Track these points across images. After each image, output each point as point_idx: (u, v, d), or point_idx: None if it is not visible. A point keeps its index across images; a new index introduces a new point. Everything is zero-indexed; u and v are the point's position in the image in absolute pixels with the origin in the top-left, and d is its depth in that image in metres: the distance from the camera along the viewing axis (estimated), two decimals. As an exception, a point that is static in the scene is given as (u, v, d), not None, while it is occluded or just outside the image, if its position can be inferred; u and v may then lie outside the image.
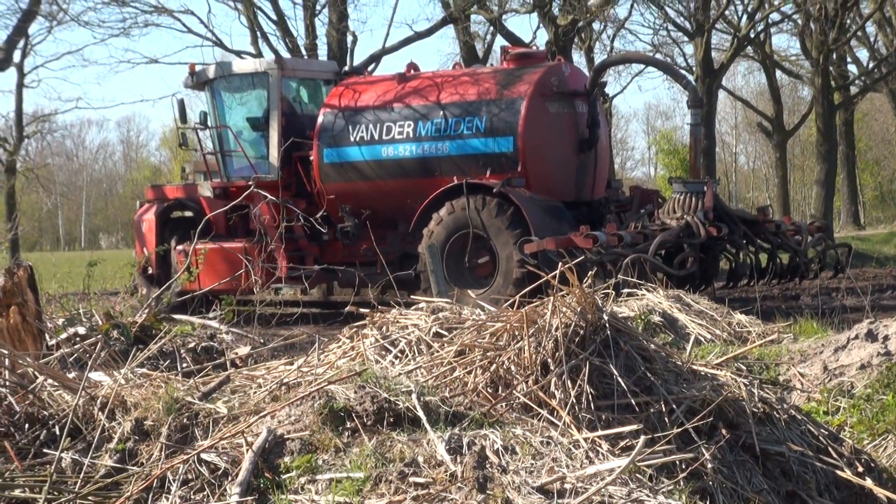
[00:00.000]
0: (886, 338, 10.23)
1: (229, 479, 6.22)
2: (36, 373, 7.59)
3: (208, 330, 11.59)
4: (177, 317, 12.39)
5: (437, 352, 7.57)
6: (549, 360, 6.98)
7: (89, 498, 6.27)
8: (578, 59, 42.22)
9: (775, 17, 46.35)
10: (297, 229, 22.35)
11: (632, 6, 42.95)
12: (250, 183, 21.08)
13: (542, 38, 37.94)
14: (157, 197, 24.86)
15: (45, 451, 6.78)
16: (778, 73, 52.81)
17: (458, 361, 7.31)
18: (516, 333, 7.20)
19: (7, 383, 7.35)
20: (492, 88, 21.70)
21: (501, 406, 6.83)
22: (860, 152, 66.12)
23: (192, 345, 10.87)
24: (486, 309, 8.44)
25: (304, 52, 33.84)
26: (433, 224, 20.70)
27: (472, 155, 21.35)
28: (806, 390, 9.80)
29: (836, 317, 15.20)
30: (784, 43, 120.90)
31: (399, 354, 7.81)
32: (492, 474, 5.86)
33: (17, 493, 6.37)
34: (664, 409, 7.01)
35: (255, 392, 7.23)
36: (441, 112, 21.74)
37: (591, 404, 6.84)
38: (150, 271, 23.36)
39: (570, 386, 6.87)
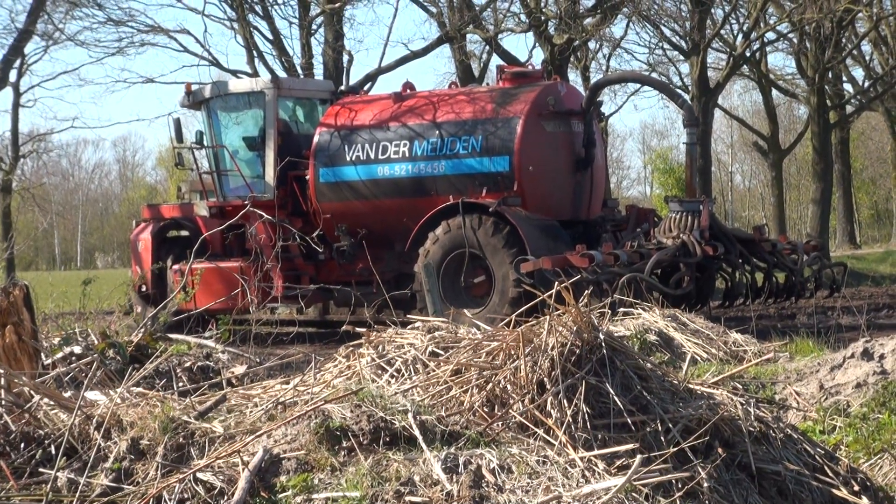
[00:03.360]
0: (882, 356, 10.23)
1: (225, 498, 6.22)
2: (32, 392, 7.58)
3: (204, 349, 11.59)
4: (173, 336, 12.38)
5: (434, 371, 7.57)
6: (546, 379, 6.98)
7: (85, 517, 6.28)
8: (574, 78, 42.25)
9: (771, 36, 46.45)
10: (293, 248, 22.36)
11: (627, 25, 42.87)
12: (246, 202, 21.09)
13: (538, 58, 38.01)
14: (154, 216, 24.86)
15: (40, 470, 6.77)
16: (774, 91, 52.90)
17: (454, 380, 7.31)
18: (512, 353, 7.20)
19: (3, 402, 7.35)
20: (488, 107, 21.72)
21: (497, 425, 6.83)
22: (856, 171, 66.21)
23: (188, 364, 10.87)
24: (483, 328, 8.44)
25: (300, 71, 33.86)
26: (429, 243, 20.70)
27: (468, 174, 21.36)
28: (802, 409, 9.80)
29: (832, 336, 15.19)
30: (780, 62, 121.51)
31: (395, 373, 7.81)
32: (488, 493, 5.86)
33: (12, 512, 6.37)
34: (660, 428, 7.01)
35: (251, 411, 7.23)
36: (437, 131, 21.75)
37: (588, 423, 6.84)
38: (144, 289, 23.33)
39: (566, 405, 6.87)
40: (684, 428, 7.08)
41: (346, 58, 34.02)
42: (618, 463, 6.53)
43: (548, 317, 7.18)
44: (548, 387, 6.96)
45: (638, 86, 46.96)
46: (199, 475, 6.35)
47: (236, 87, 24.74)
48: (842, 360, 10.45)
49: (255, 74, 33.22)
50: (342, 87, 26.03)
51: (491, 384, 7.14)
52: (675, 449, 6.80)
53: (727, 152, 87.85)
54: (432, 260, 20.06)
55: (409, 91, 23.05)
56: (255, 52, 34.84)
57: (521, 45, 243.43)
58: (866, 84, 52.24)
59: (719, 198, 75.86)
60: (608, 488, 5.86)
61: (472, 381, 7.22)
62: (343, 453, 6.37)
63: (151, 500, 6.25)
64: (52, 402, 7.43)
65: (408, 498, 5.88)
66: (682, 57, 45.18)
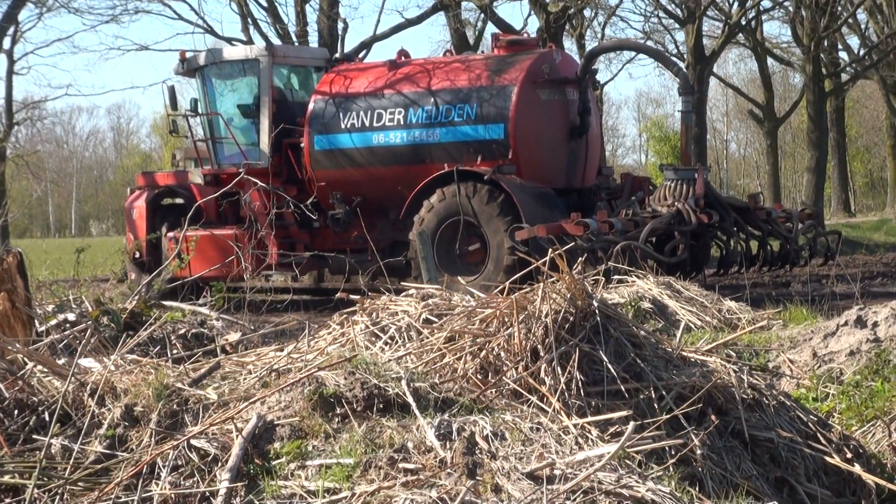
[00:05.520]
0: (875, 324, 10.25)
1: (219, 465, 6.22)
2: (25, 359, 7.58)
3: (199, 316, 11.59)
4: (167, 303, 12.38)
5: (427, 338, 7.58)
6: (539, 346, 6.99)
7: (79, 484, 6.28)
8: (569, 46, 42.15)
9: (766, 4, 46.40)
10: (287, 216, 22.34)
11: (623, -7, 42.79)
12: (241, 170, 21.07)
13: (534, 26, 37.92)
14: (148, 184, 24.82)
15: (34, 437, 6.78)
16: (769, 60, 52.83)
17: (447, 348, 7.32)
18: (506, 320, 7.20)
19: (-4, 369, 7.35)
20: (483, 75, 21.69)
21: (491, 392, 6.84)
22: (851, 140, 66.15)
23: (182, 331, 10.87)
24: (476, 295, 8.44)
25: (294, 39, 33.78)
26: (424, 211, 20.69)
27: (463, 142, 21.34)
28: (795, 377, 9.82)
29: (826, 304, 15.21)
30: (775, 30, 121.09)
31: (389, 341, 7.82)
32: (481, 460, 5.86)
33: (6, 479, 6.37)
34: (654, 396, 7.02)
35: (245, 378, 7.24)
36: (432, 99, 21.72)
37: (581, 390, 6.85)
38: (138, 256, 23.32)
39: (559, 372, 6.88)
40: (678, 395, 7.09)
41: (340, 25, 33.97)
42: (611, 430, 6.54)
43: (542, 284, 7.18)
44: (541, 354, 6.97)
45: (633, 54, 46.89)
46: (193, 442, 6.35)
47: (231, 54, 24.70)
48: (835, 327, 10.48)
49: (249, 42, 33.17)
50: (337, 55, 25.98)
51: (484, 351, 7.15)
52: (669, 416, 6.81)
53: (722, 120, 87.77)
54: (427, 228, 20.05)
55: (404, 59, 23.01)
56: (249, 20, 34.80)
57: (517, 13, 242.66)
58: (861, 52, 52.15)
59: (714, 166, 75.91)
60: (601, 455, 5.86)
61: (466, 348, 7.23)
62: (337, 420, 6.37)
63: (145, 466, 6.25)
64: (45, 369, 7.43)
65: (401, 465, 5.88)
66: (677, 25, 45.11)
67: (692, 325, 12.49)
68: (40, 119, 56.08)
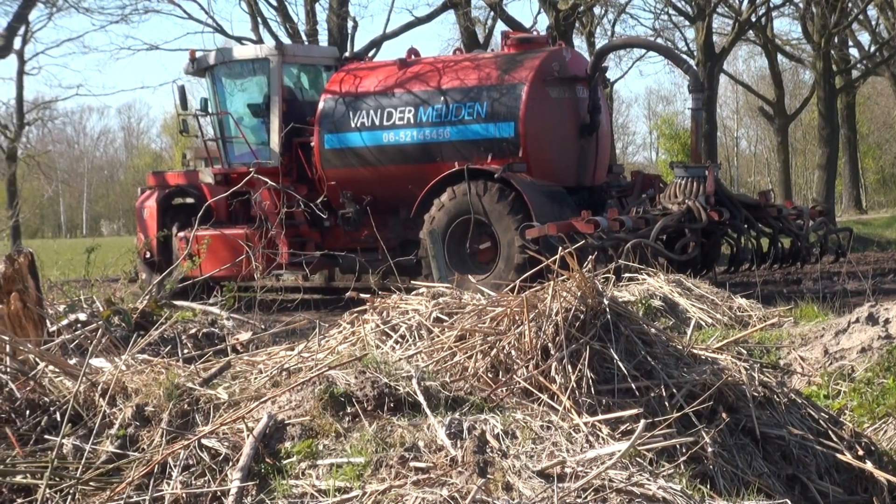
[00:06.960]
0: (887, 321, 10.23)
1: (230, 464, 6.23)
2: (37, 359, 7.60)
3: (209, 316, 11.61)
4: (178, 303, 12.40)
5: (438, 337, 7.58)
6: (550, 344, 6.99)
7: (91, 484, 6.29)
8: (579, 43, 42.16)
9: (776, 0, 46.30)
10: (297, 215, 22.36)
11: (633, -9, 42.74)
12: (251, 169, 21.08)
13: (543, 23, 37.92)
14: (159, 184, 24.87)
15: (46, 437, 6.79)
16: (779, 57, 52.72)
17: (458, 346, 7.32)
18: (517, 318, 7.20)
19: (8, 370, 7.36)
20: (493, 74, 21.67)
21: (502, 391, 6.84)
22: (862, 136, 65.99)
23: (193, 331, 10.89)
24: (487, 294, 8.44)
25: (304, 37, 33.81)
26: (434, 210, 20.68)
27: (474, 140, 21.32)
28: (806, 374, 9.81)
29: (837, 301, 15.18)
30: (785, 27, 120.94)
31: (399, 339, 7.82)
32: (492, 459, 5.87)
33: (18, 479, 6.38)
34: (664, 394, 7.02)
35: (255, 378, 7.24)
36: (442, 97, 21.71)
37: (592, 389, 6.85)
38: (149, 256, 23.35)
39: (570, 370, 6.88)
40: (688, 393, 7.09)
41: (350, 24, 34.02)
42: (622, 428, 6.54)
43: (552, 282, 7.18)
44: (552, 352, 6.97)
45: (643, 51, 46.91)
46: (204, 441, 6.36)
47: (241, 53, 24.71)
48: (846, 324, 10.46)
49: (259, 41, 33.20)
50: (346, 54, 25.99)
51: (495, 350, 7.15)
52: (679, 414, 6.81)
53: (733, 118, 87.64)
54: (437, 226, 20.05)
55: (413, 57, 23.00)
56: (259, 19, 34.86)
57: (526, 11, 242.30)
58: (872, 49, 52.03)
59: (725, 163, 75.82)
60: (612, 453, 5.86)
61: (477, 346, 7.23)
62: (347, 419, 6.38)
63: (157, 466, 6.26)
64: (57, 370, 7.45)
65: (412, 463, 5.89)
66: (687, 22, 45.08)
67: (703, 323, 12.47)
68: (51, 119, 56.27)
